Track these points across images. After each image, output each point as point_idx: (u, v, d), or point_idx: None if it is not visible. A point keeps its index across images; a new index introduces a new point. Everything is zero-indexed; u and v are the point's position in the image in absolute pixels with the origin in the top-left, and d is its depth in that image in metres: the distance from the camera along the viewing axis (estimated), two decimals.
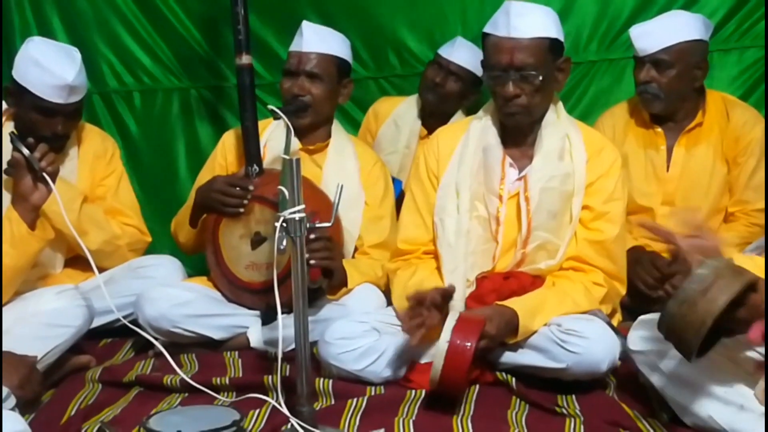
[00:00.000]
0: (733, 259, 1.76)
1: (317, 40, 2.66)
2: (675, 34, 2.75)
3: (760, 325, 1.63)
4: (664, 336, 1.74)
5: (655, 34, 2.75)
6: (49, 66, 2.52)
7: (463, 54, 3.21)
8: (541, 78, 2.24)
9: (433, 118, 3.26)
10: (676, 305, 1.67)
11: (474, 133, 2.39)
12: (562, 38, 2.31)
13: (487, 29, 2.31)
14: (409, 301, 2.17)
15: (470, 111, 3.33)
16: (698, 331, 1.65)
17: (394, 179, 3.06)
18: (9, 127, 2.57)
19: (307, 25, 2.69)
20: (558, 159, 2.32)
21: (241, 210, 2.53)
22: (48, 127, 2.55)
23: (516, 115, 2.31)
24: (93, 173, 2.82)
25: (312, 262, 2.30)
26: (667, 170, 2.91)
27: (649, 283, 2.68)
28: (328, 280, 2.42)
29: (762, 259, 1.85)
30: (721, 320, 1.65)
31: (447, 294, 2.20)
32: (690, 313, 1.65)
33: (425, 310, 2.15)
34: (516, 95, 2.27)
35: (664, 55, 2.74)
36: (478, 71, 3.10)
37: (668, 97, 2.80)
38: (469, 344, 1.99)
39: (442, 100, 3.24)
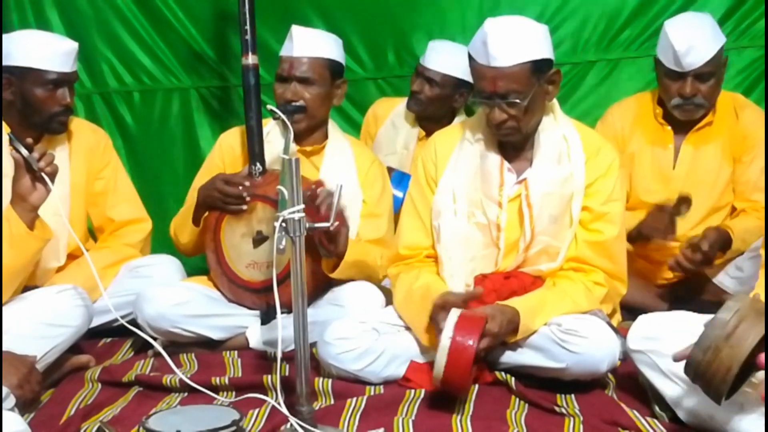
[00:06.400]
0: (758, 295, 1.73)
1: (307, 43, 2.65)
2: (713, 43, 2.73)
3: None
4: (692, 380, 1.72)
5: (700, 48, 2.71)
6: (48, 39, 2.64)
7: (435, 58, 3.18)
8: (527, 100, 2.20)
9: (430, 121, 3.25)
10: (701, 352, 1.65)
11: (470, 138, 2.39)
12: (547, 54, 2.23)
13: (469, 51, 2.26)
14: (435, 309, 2.15)
15: (470, 111, 3.34)
16: (725, 378, 1.63)
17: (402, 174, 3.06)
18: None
19: (296, 29, 2.68)
20: (557, 162, 2.31)
21: (244, 207, 2.53)
22: (57, 101, 2.61)
23: (509, 136, 2.29)
24: (89, 166, 2.83)
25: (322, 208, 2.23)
26: (674, 168, 2.91)
27: (661, 229, 2.73)
28: (335, 245, 2.37)
29: None
30: (748, 362, 1.63)
31: (473, 298, 2.19)
32: (715, 360, 1.63)
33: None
34: (504, 120, 2.24)
35: (709, 67, 2.73)
36: (457, 73, 3.11)
37: (709, 104, 2.82)
38: (471, 341, 1.98)
39: (425, 107, 3.22)
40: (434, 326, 2.15)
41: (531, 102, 2.22)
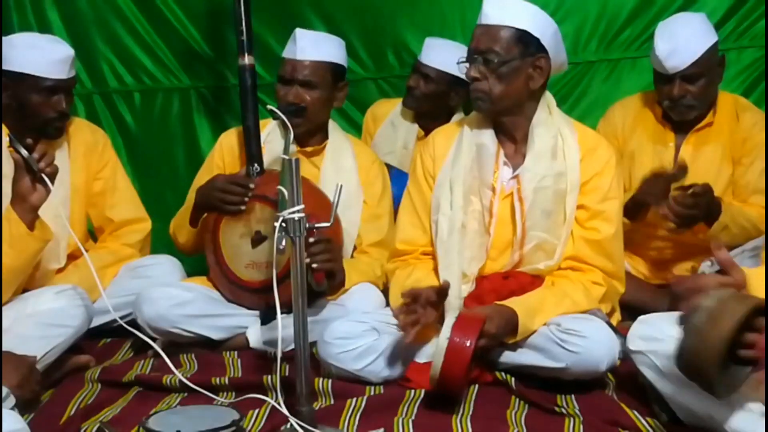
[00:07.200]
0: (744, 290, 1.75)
1: (311, 47, 2.65)
2: (699, 44, 2.73)
3: None
4: (684, 374, 1.72)
5: (683, 50, 2.71)
6: (46, 45, 2.62)
7: (431, 55, 3.19)
8: (500, 63, 2.24)
9: (427, 119, 3.26)
10: (687, 339, 1.66)
11: (468, 130, 2.39)
12: (538, 35, 2.26)
13: None
14: (404, 298, 2.18)
15: (468, 110, 3.34)
16: (714, 360, 1.63)
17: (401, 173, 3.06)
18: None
19: (300, 33, 2.68)
20: (551, 158, 2.31)
21: (243, 208, 2.54)
22: (52, 107, 2.60)
23: (477, 101, 2.31)
24: (87, 166, 2.83)
25: (315, 266, 2.29)
26: (674, 167, 2.91)
27: (656, 193, 2.70)
28: (330, 282, 2.42)
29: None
30: (736, 347, 1.64)
31: (442, 291, 2.20)
32: (701, 342, 1.63)
33: (420, 307, 2.15)
34: (476, 78, 2.27)
35: (695, 68, 2.73)
36: (453, 70, 3.11)
37: (702, 104, 2.83)
38: (468, 342, 1.99)
39: (420, 104, 3.22)
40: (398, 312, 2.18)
41: (506, 70, 2.25)
